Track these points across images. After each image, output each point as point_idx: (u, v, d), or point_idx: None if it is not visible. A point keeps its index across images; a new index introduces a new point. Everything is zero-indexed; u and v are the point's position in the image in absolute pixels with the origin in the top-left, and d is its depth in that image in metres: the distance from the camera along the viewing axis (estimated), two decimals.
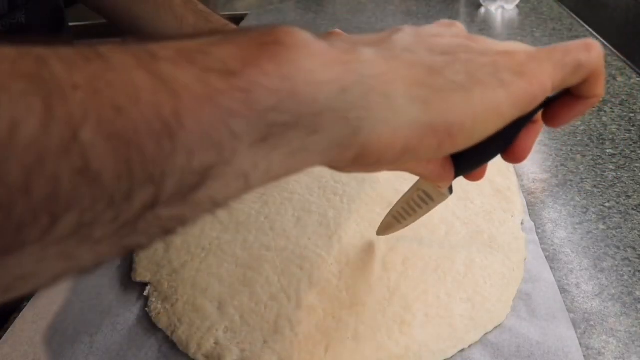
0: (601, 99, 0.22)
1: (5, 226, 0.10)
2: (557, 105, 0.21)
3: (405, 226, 0.33)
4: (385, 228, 0.34)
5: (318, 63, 0.14)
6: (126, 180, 0.11)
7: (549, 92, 0.19)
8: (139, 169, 0.11)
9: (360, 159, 0.16)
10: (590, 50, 0.19)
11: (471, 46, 0.18)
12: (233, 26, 0.60)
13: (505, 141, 0.21)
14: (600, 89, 0.20)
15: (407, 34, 0.18)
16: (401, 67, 0.16)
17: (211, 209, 0.14)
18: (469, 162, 0.23)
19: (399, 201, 0.31)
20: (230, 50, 0.13)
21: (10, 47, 0.11)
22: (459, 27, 0.20)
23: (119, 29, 0.61)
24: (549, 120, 0.21)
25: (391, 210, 0.33)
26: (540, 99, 0.18)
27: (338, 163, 0.16)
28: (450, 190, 0.26)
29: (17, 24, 0.44)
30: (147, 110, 0.12)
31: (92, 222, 0.11)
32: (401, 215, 0.32)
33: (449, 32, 0.19)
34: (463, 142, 0.17)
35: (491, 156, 0.22)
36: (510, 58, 0.18)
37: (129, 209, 0.12)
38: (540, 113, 0.21)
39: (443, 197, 0.27)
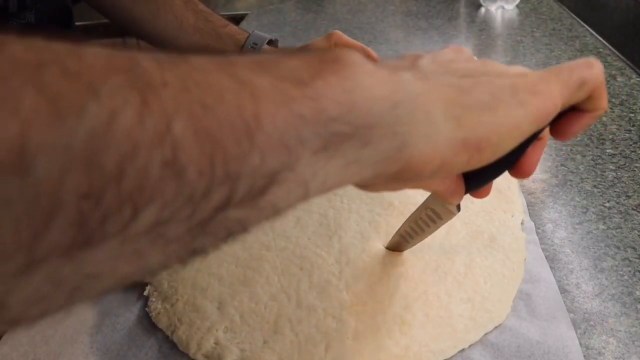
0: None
1: (92, 215, 0.10)
2: (564, 120, 0.22)
3: (413, 245, 0.33)
4: (394, 247, 0.34)
5: (374, 79, 0.15)
6: (207, 177, 0.12)
7: (559, 109, 0.20)
8: (220, 166, 0.12)
9: (401, 173, 0.17)
10: (592, 68, 0.21)
11: (487, 69, 0.20)
12: (233, 26, 0.60)
13: (514, 157, 0.22)
14: (603, 103, 0.22)
15: (428, 60, 0.20)
16: (436, 87, 0.17)
17: (272, 215, 0.14)
18: (478, 178, 0.24)
19: (406, 220, 0.32)
20: (297, 63, 0.14)
21: (100, 46, 0.12)
22: (467, 52, 0.22)
23: (121, 28, 0.61)
24: (557, 134, 0.23)
25: (399, 229, 0.33)
26: (553, 115, 0.20)
27: (381, 178, 0.17)
28: (458, 208, 0.27)
29: (26, 24, 0.44)
30: (231, 109, 0.12)
31: (169, 218, 0.12)
32: (409, 234, 0.32)
33: (461, 57, 0.21)
34: (488, 157, 0.19)
35: (499, 172, 0.23)
36: (524, 79, 0.20)
37: (205, 207, 0.12)
38: (546, 129, 0.23)
39: (451, 215, 0.28)
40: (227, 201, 0.12)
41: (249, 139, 0.12)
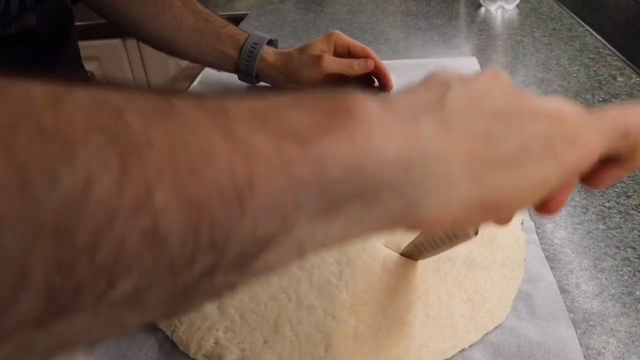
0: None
1: (63, 288, 0.10)
2: (598, 169, 0.20)
3: (427, 257, 0.33)
4: (408, 255, 0.34)
5: (388, 138, 0.14)
6: (191, 246, 0.11)
7: (595, 160, 0.18)
8: (206, 234, 0.11)
9: (409, 229, 0.16)
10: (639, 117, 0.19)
11: (521, 107, 0.17)
12: (232, 27, 0.60)
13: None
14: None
15: (459, 94, 0.17)
16: (460, 140, 0.15)
17: (263, 275, 0.13)
18: None
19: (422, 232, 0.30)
20: (303, 116, 0.13)
21: (85, 92, 0.11)
22: (504, 78, 0.19)
23: (119, 29, 0.61)
24: (586, 182, 0.20)
25: (415, 238, 0.32)
26: (587, 166, 0.18)
27: (387, 232, 0.16)
28: (476, 231, 0.26)
29: (27, 26, 0.44)
30: (221, 174, 0.11)
31: (149, 287, 0.11)
32: (424, 246, 0.31)
33: (497, 86, 0.18)
34: (507, 215, 0.17)
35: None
36: (561, 125, 0.17)
37: (188, 275, 0.11)
38: None
39: (468, 238, 0.27)
40: (213, 268, 0.12)
41: (239, 206, 0.11)
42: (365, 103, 0.14)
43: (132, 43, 1.15)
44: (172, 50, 0.61)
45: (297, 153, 0.12)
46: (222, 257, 0.12)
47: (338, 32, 0.59)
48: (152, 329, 0.32)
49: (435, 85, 0.17)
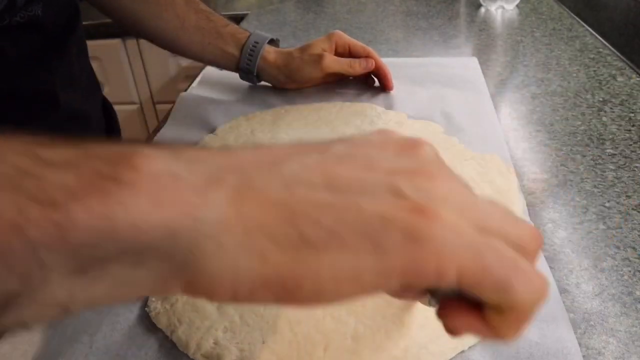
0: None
1: None
2: (453, 303, 0.16)
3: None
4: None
5: (152, 204, 0.13)
6: None
7: (448, 284, 0.14)
8: None
9: (191, 294, 0.15)
10: (532, 280, 0.15)
11: (375, 181, 0.15)
12: (234, 26, 0.60)
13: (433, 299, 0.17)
14: (512, 331, 0.15)
15: (325, 152, 0.16)
16: (254, 210, 0.14)
17: (25, 329, 0.14)
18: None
19: None
20: (65, 179, 0.13)
21: None
22: (423, 155, 0.17)
23: (123, 27, 0.61)
24: (439, 315, 0.17)
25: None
26: (430, 283, 0.14)
27: (173, 294, 0.15)
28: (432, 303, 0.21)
29: (33, 17, 0.44)
30: None
31: None
32: None
33: (397, 160, 0.16)
34: (308, 300, 0.14)
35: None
36: (419, 216, 0.14)
37: None
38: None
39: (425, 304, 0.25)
40: None
41: None
42: (148, 163, 0.14)
43: (132, 43, 1.15)
44: (175, 49, 0.61)
45: (39, 215, 0.12)
46: None
47: (339, 32, 0.59)
48: (152, 329, 0.32)
49: (330, 142, 0.16)
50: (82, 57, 0.56)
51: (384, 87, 0.60)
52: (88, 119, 0.56)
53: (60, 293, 0.13)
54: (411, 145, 0.17)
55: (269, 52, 0.58)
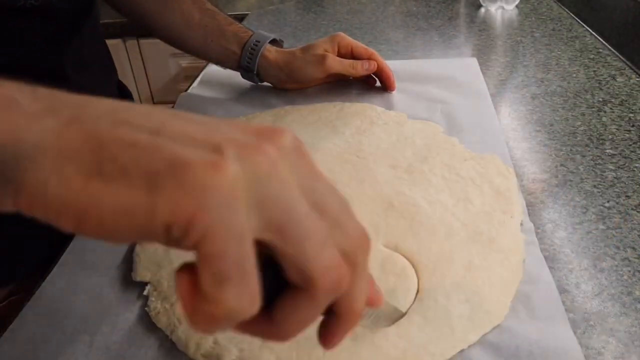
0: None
1: None
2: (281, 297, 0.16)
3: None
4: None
5: None
6: None
7: (154, 230, 0.14)
8: None
9: (25, 210, 0.15)
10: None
11: (222, 148, 0.15)
12: (238, 25, 0.61)
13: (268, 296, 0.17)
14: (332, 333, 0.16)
15: (182, 115, 0.16)
16: (73, 139, 0.15)
17: None
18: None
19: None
20: None
21: None
22: (279, 142, 0.16)
23: (132, 22, 0.62)
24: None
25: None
26: (180, 233, 0.14)
27: (6, 208, 0.16)
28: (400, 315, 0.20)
29: (47, 1, 0.45)
30: None
31: None
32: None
33: (243, 135, 0.16)
34: (95, 232, 0.15)
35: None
36: (210, 168, 0.14)
37: None
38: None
39: (394, 318, 0.23)
40: None
41: None
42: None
43: (132, 43, 1.15)
44: (180, 45, 0.62)
45: None
46: None
47: (342, 33, 0.60)
48: (152, 328, 0.32)
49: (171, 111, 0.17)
50: (96, 40, 0.57)
51: (386, 88, 0.60)
52: None
53: None
54: (271, 131, 0.17)
55: (270, 51, 0.59)
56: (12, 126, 0.15)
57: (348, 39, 0.59)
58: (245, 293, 0.15)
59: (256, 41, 0.58)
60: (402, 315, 0.29)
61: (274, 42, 0.60)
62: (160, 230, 0.14)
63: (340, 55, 0.59)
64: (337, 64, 0.58)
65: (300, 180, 0.16)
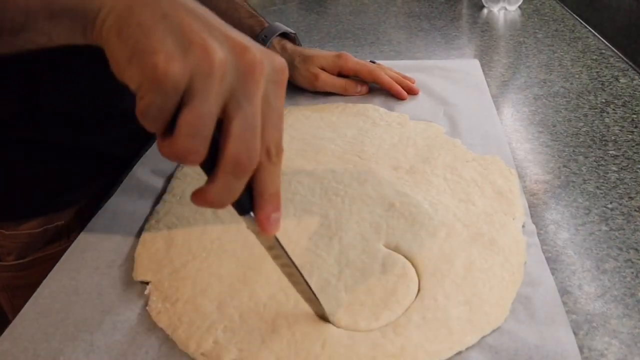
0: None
1: None
2: None
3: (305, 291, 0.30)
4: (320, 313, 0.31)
5: None
6: None
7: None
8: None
9: (91, 40, 0.24)
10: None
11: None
12: (259, 18, 0.63)
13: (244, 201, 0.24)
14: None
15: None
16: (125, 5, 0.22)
17: (28, 47, 0.26)
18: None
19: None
20: None
21: None
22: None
23: None
24: None
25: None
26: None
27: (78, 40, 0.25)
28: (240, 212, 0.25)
29: None
30: None
31: None
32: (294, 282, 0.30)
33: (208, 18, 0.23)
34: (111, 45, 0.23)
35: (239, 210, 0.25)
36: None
37: None
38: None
39: (260, 237, 0.26)
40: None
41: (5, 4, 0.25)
42: None
43: None
44: None
45: None
46: (3, 26, 0.25)
47: (347, 55, 0.60)
48: (153, 328, 0.32)
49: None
50: None
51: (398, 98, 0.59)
52: None
53: (45, 27, 0.25)
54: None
55: (275, 48, 0.60)
56: None
57: (352, 62, 0.59)
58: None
59: (264, 35, 0.60)
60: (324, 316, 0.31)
61: (284, 35, 0.61)
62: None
63: (341, 75, 0.60)
64: (328, 85, 0.59)
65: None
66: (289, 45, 0.61)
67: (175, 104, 0.21)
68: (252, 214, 0.24)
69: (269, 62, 0.23)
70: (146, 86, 0.21)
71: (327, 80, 0.59)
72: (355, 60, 0.59)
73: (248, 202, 0.24)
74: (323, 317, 0.31)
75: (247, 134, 0.22)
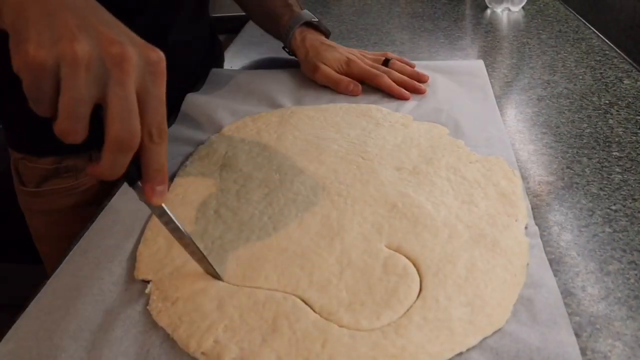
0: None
1: None
2: None
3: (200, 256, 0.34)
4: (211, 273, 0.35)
5: None
6: None
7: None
8: None
9: None
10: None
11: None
12: (293, 8, 0.65)
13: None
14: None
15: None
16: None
17: None
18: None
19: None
20: None
21: None
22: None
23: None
24: None
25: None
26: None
27: None
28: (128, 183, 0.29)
29: None
30: None
31: None
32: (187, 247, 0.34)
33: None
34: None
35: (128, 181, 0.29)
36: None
37: None
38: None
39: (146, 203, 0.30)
40: None
41: None
42: None
43: None
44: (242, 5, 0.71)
45: None
46: None
47: (356, 63, 0.61)
48: (153, 327, 0.32)
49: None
50: None
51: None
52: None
53: None
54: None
55: (296, 40, 0.64)
56: None
57: (358, 69, 0.61)
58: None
59: (288, 27, 0.64)
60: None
61: (307, 24, 0.64)
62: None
63: (351, 76, 0.61)
64: (325, 79, 0.62)
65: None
66: (310, 36, 0.64)
67: (50, 87, 0.25)
68: (140, 184, 0.29)
69: (143, 55, 0.27)
70: (22, 70, 0.25)
71: (325, 74, 0.61)
72: (362, 66, 0.61)
73: (136, 175, 0.28)
74: (214, 276, 0.34)
75: (124, 115, 0.26)
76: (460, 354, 0.29)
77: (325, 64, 0.61)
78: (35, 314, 0.33)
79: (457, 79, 0.62)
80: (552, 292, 0.32)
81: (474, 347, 0.29)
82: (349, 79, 0.61)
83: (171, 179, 0.47)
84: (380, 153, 0.47)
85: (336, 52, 0.63)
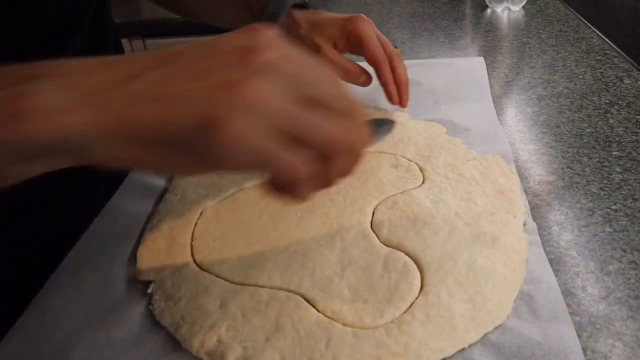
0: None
1: None
2: None
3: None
4: None
5: (41, 124, 0.21)
6: None
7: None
8: None
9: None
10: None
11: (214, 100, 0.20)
12: None
13: None
14: None
15: (172, 65, 0.22)
16: (108, 125, 0.21)
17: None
18: None
19: None
20: None
21: None
22: (260, 37, 0.22)
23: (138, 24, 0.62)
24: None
25: None
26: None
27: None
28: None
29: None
30: None
31: None
32: None
33: (229, 72, 0.21)
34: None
35: None
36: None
37: None
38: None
39: None
40: None
41: None
42: (37, 99, 0.21)
43: (138, 43, 1.15)
44: (192, 10, 0.60)
45: None
46: None
47: (360, 19, 0.50)
48: (156, 327, 0.32)
49: (158, 61, 0.22)
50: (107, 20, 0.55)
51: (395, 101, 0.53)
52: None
53: (16, 171, 0.23)
54: (249, 52, 0.21)
55: (284, 25, 0.52)
56: (60, 126, 0.21)
57: (360, 30, 0.49)
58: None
59: (272, 13, 0.52)
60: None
61: (297, 6, 0.53)
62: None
63: (350, 42, 0.51)
64: (329, 63, 0.49)
65: (290, 89, 0.21)
66: (296, 12, 0.52)
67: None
68: None
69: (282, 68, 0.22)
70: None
71: (329, 55, 0.50)
72: (368, 33, 0.49)
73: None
74: None
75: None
76: (462, 349, 0.29)
77: (330, 37, 0.50)
78: (35, 314, 0.33)
79: (456, 77, 0.62)
80: (551, 287, 0.32)
81: (475, 343, 0.29)
82: (360, 69, 0.51)
83: (171, 179, 0.47)
84: (378, 151, 0.47)
85: (332, 15, 0.52)
